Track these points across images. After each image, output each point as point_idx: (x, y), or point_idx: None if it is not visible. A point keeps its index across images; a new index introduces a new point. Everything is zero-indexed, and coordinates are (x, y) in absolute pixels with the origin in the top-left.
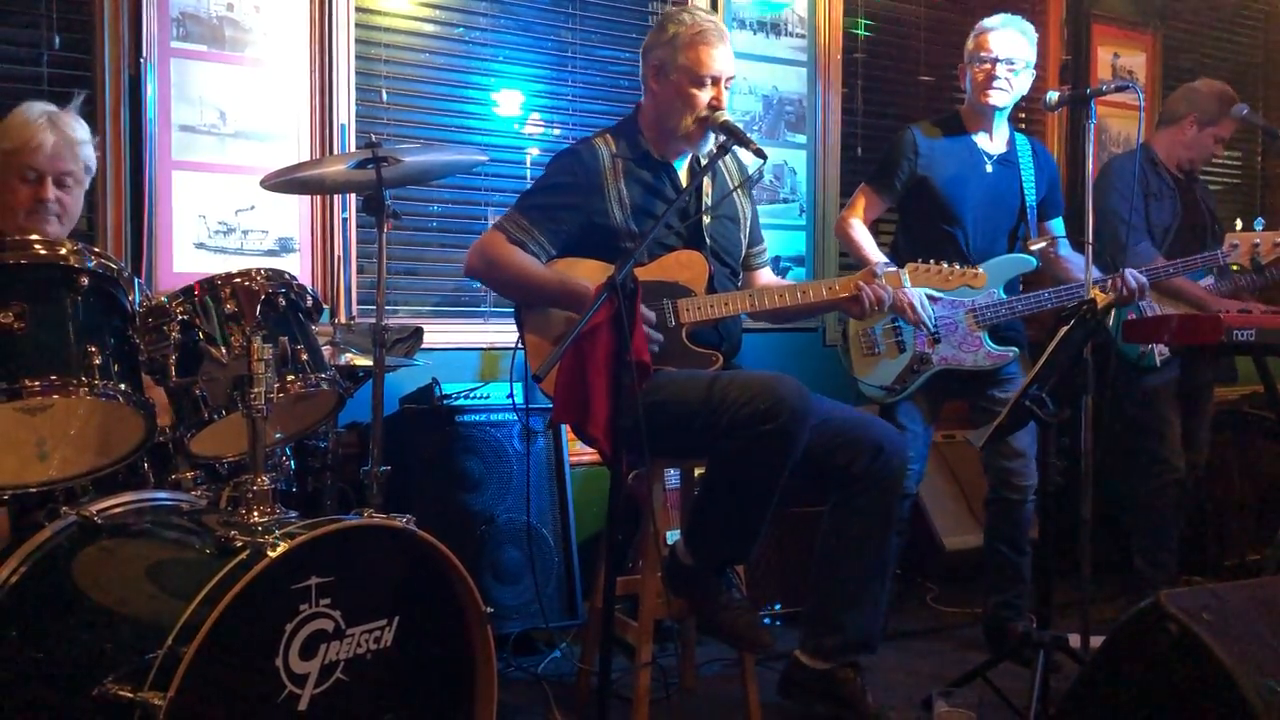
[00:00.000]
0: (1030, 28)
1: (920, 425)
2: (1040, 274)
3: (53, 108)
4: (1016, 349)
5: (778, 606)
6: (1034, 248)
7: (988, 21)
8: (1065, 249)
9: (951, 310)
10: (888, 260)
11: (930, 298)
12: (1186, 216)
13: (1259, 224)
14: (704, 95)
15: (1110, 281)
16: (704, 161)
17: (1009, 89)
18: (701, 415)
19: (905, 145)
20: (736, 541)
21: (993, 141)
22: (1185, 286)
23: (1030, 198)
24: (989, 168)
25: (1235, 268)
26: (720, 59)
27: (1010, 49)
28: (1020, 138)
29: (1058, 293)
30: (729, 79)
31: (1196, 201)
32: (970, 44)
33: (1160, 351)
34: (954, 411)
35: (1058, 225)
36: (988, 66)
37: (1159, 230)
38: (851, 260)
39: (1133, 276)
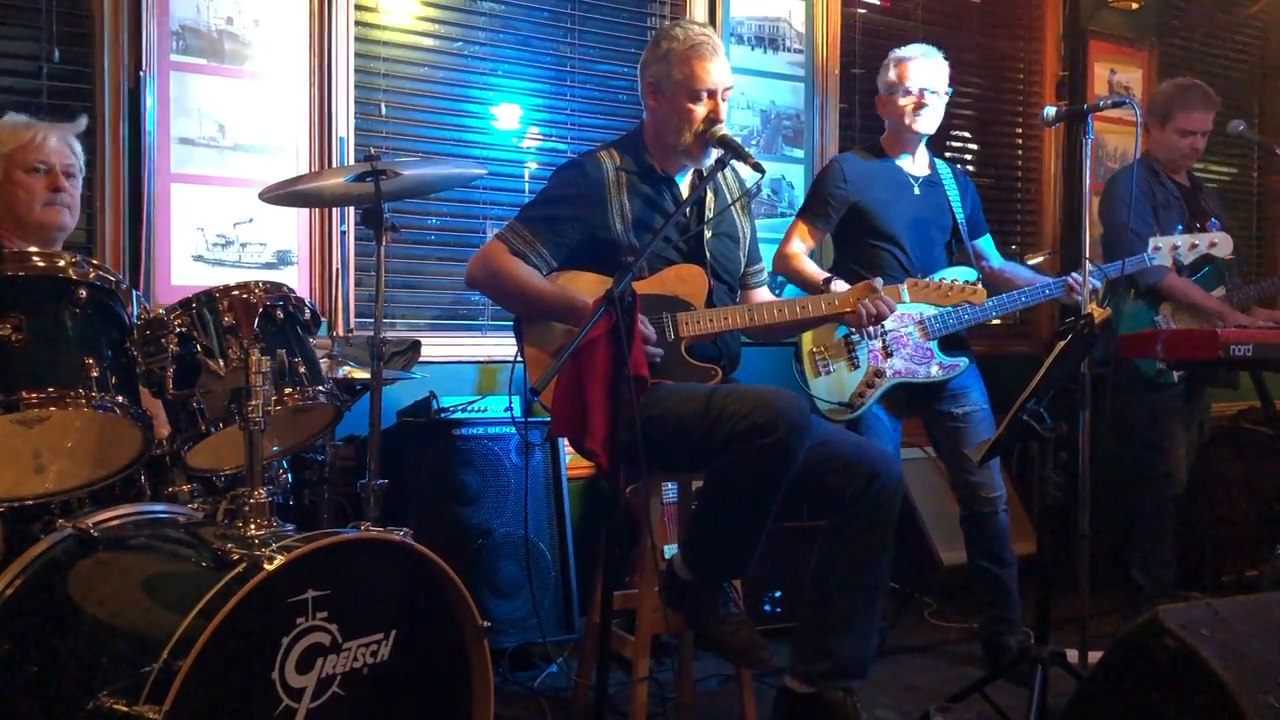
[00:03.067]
0: (941, 55)
1: (887, 420)
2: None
3: None
4: (967, 359)
5: (778, 593)
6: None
7: (904, 51)
8: (999, 261)
9: (901, 323)
10: (830, 275)
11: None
12: (1193, 224)
13: (1178, 228)
14: (701, 110)
15: (1065, 285)
16: (704, 174)
17: (936, 115)
18: (700, 428)
19: (834, 175)
20: (734, 555)
21: (915, 165)
22: (1201, 299)
23: (959, 215)
24: (916, 190)
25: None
26: (716, 72)
27: (931, 78)
28: (940, 162)
29: (1000, 302)
30: (726, 90)
31: (1203, 209)
32: (890, 75)
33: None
34: (910, 427)
35: (987, 242)
36: (915, 95)
37: None
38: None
39: (1076, 280)
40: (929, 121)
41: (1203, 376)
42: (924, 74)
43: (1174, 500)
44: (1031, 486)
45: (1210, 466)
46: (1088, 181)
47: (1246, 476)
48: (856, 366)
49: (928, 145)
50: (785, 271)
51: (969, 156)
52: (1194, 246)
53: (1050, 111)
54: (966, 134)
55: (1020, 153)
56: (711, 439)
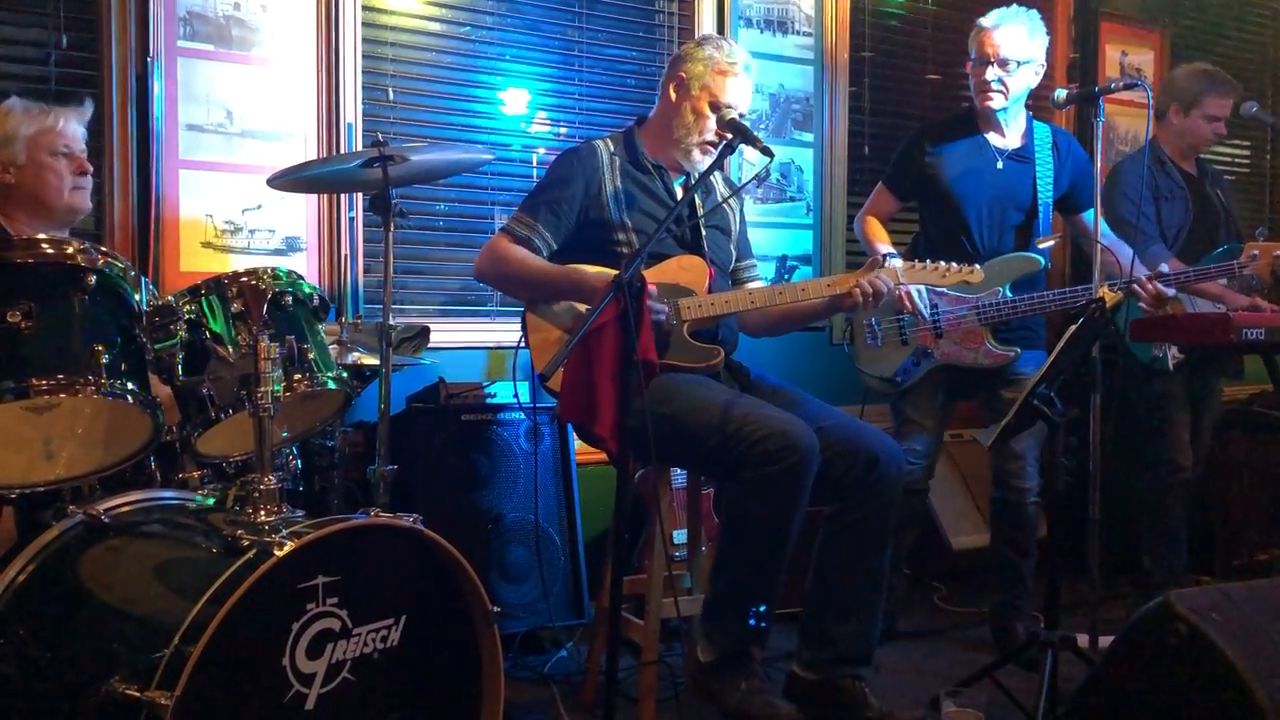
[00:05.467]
0: (1032, 18)
1: (931, 420)
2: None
3: None
4: (1019, 349)
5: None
6: (1042, 245)
7: (985, 19)
8: (1111, 238)
9: (957, 307)
10: (894, 252)
11: (936, 291)
12: (1199, 214)
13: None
14: (713, 121)
15: (1136, 287)
16: (694, 178)
17: (1004, 90)
18: (713, 439)
19: (914, 143)
20: (754, 601)
21: (1006, 137)
22: (1205, 286)
23: (1044, 194)
24: (1000, 164)
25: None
26: (743, 95)
27: (1005, 48)
28: (1042, 130)
29: (1062, 294)
30: (741, 114)
31: (1209, 198)
32: (970, 43)
33: (1174, 356)
34: (962, 410)
35: (1090, 217)
36: (979, 69)
37: (1171, 230)
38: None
39: (1159, 287)
40: (996, 97)
41: (1212, 364)
42: (997, 43)
43: (1183, 486)
44: (1042, 471)
45: (1221, 451)
46: (1099, 165)
47: (1257, 461)
48: (905, 344)
49: (1027, 113)
50: (858, 233)
51: None
52: None
53: (1061, 94)
54: None
55: None
56: (723, 455)
